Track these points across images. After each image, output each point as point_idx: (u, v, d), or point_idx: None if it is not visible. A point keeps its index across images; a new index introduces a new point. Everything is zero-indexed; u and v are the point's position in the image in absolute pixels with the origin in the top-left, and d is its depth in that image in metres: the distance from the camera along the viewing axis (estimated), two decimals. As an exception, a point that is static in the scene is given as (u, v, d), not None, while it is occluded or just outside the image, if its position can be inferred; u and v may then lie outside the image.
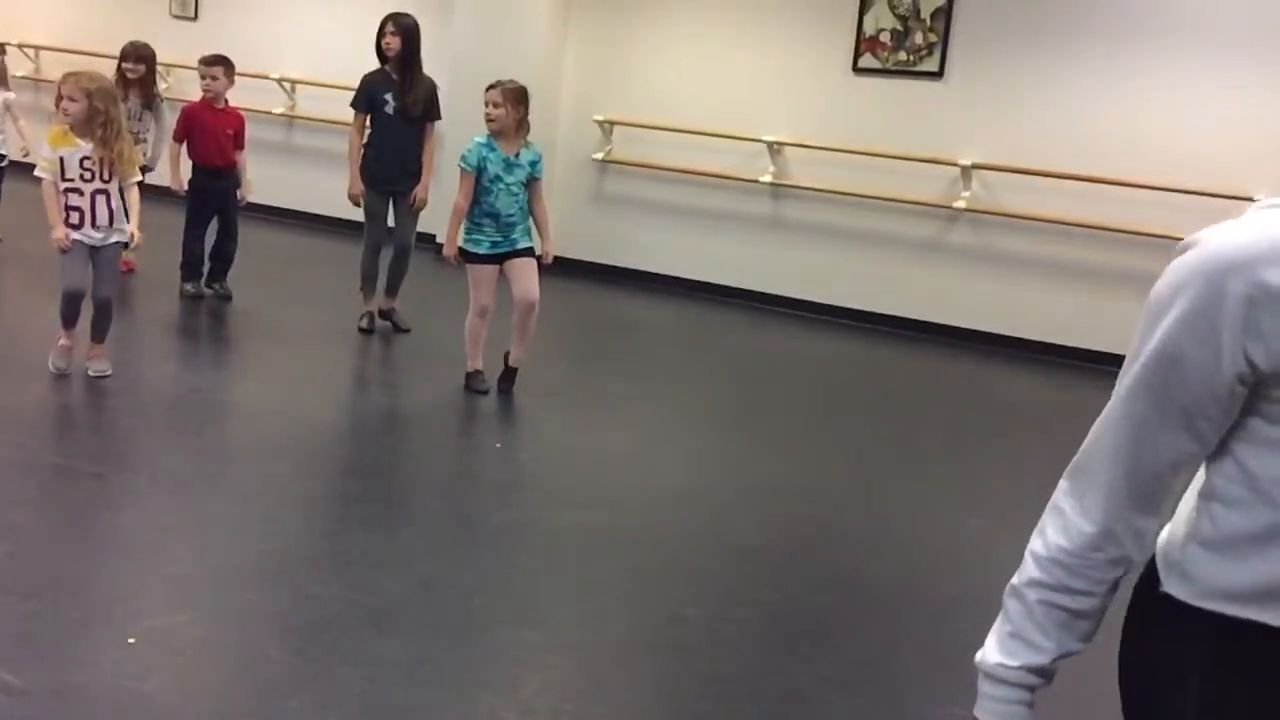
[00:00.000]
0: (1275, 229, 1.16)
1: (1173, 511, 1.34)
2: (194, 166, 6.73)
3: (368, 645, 3.05)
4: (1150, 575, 1.35)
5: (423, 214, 6.65)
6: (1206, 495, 1.29)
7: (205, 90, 6.72)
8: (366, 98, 6.39)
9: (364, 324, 6.52)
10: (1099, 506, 1.30)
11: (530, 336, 5.54)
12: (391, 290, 6.60)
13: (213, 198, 6.75)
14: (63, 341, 5.11)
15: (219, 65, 6.70)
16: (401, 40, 6.31)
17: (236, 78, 6.87)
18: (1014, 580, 1.37)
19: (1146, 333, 1.24)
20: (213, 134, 6.68)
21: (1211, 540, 1.27)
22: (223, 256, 6.92)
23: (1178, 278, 1.20)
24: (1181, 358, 1.20)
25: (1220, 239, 1.19)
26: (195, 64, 6.86)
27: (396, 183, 6.43)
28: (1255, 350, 1.17)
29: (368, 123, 6.44)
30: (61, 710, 2.65)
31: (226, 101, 6.84)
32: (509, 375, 5.57)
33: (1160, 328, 1.22)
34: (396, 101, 6.35)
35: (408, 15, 6.45)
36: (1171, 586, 1.30)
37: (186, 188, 6.76)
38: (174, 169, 6.75)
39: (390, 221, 6.57)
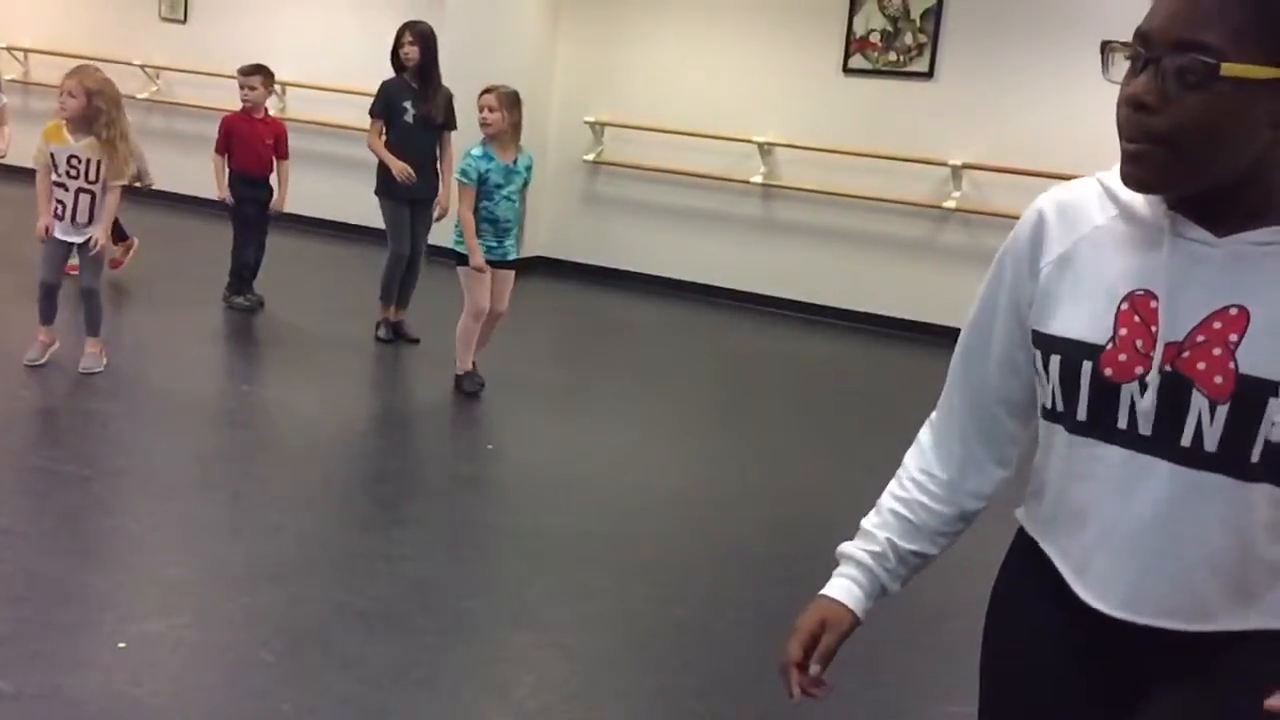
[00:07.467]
0: (1076, 183, 1.42)
1: (1013, 462, 1.49)
2: (233, 176, 6.70)
3: (360, 648, 3.05)
4: None
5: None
6: None
7: (244, 100, 6.70)
8: (384, 104, 6.32)
9: (381, 333, 6.44)
10: (943, 429, 1.56)
11: (489, 342, 5.67)
12: (402, 301, 6.53)
13: (254, 206, 6.74)
14: (41, 338, 5.17)
15: (256, 75, 6.68)
16: (420, 49, 6.26)
17: (227, 80, 6.86)
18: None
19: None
20: (251, 143, 6.66)
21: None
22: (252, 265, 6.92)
23: None
24: (997, 278, 1.41)
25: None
26: (185, 67, 6.83)
27: (416, 191, 6.35)
28: (1026, 276, 1.36)
29: (384, 130, 6.36)
30: (52, 715, 2.63)
31: (266, 111, 6.84)
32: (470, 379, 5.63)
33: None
34: (416, 109, 6.29)
35: (424, 23, 6.39)
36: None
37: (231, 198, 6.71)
38: (219, 181, 6.71)
39: None
